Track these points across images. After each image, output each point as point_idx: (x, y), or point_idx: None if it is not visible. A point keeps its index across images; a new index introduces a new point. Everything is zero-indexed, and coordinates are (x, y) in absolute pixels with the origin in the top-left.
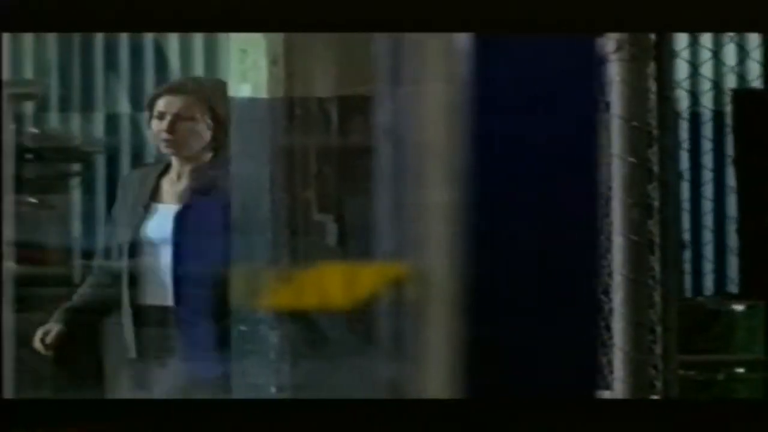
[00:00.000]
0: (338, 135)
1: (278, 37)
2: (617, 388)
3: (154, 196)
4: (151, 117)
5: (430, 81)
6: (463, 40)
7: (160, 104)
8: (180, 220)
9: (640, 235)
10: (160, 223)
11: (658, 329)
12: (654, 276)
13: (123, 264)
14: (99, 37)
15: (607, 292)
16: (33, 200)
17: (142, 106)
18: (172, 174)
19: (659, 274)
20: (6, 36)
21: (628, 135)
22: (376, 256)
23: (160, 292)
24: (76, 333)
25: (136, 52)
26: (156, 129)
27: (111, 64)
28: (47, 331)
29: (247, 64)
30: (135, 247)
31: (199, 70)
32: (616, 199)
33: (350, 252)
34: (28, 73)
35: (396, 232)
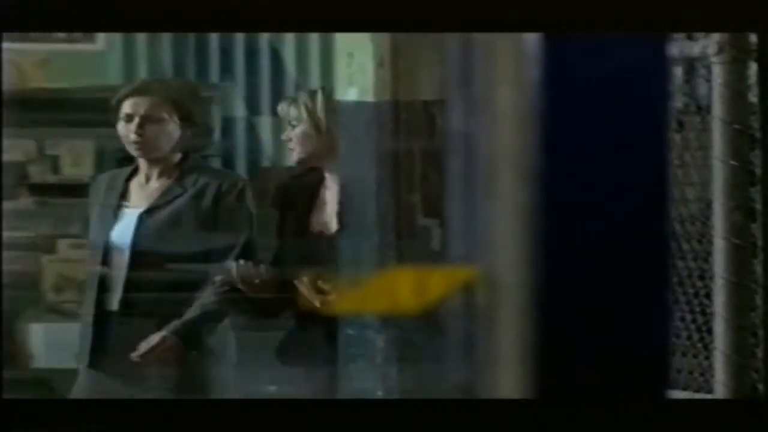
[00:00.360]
0: (444, 138)
1: (385, 39)
2: (718, 391)
3: (123, 199)
4: (117, 119)
5: (501, 84)
6: (533, 41)
7: (127, 106)
8: (141, 222)
9: (742, 238)
10: (125, 227)
11: (760, 333)
12: (756, 279)
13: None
14: (214, 39)
15: (708, 296)
16: None
17: (258, 110)
18: (140, 176)
19: (761, 278)
20: (119, 38)
21: (730, 138)
22: (451, 260)
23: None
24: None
25: (252, 55)
26: (124, 131)
27: (226, 67)
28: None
29: (354, 67)
30: (106, 252)
31: (315, 72)
32: (718, 203)
33: (455, 257)
34: (143, 75)
35: (468, 235)
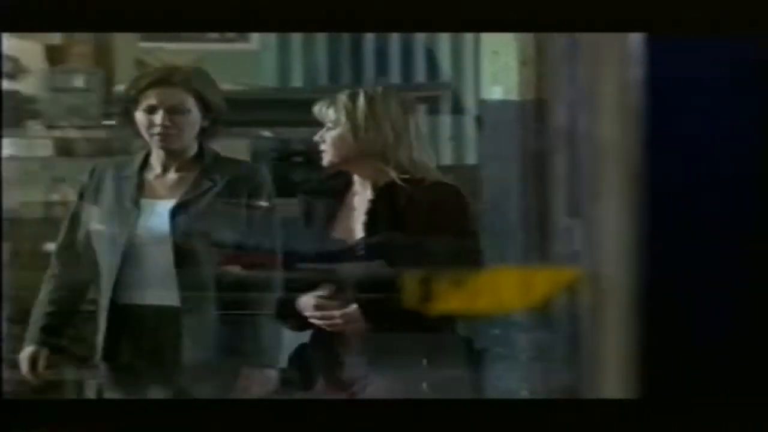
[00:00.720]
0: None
1: (529, 38)
2: None
3: (141, 191)
4: (134, 109)
5: (605, 83)
6: (637, 41)
7: (150, 96)
8: (176, 215)
9: None
10: (155, 220)
11: None
12: None
13: (115, 262)
14: (369, 39)
15: None
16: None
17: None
18: (156, 168)
19: None
20: (273, 38)
21: None
22: (553, 260)
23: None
24: None
25: (407, 54)
26: (146, 122)
27: (381, 67)
28: None
29: (498, 65)
30: (131, 245)
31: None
32: None
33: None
34: (297, 75)
35: (573, 235)
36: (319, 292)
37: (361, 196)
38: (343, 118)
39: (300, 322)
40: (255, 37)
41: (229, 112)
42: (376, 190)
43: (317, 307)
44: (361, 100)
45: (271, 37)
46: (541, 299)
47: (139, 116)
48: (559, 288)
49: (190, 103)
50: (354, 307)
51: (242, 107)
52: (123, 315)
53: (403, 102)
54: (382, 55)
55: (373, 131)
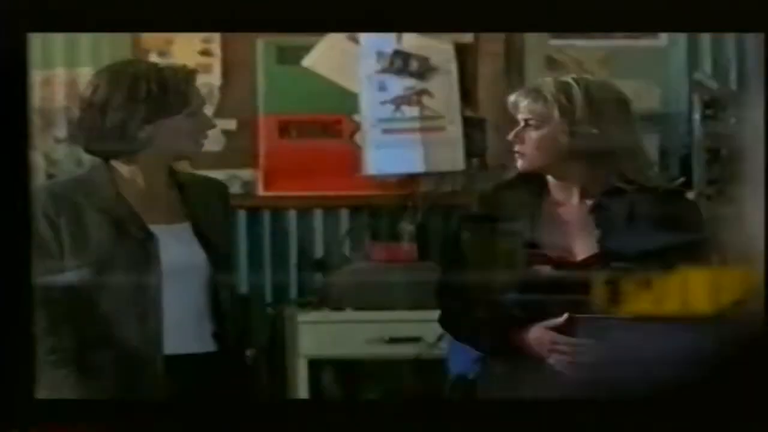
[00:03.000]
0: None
1: None
2: None
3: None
4: None
5: None
6: None
7: None
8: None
9: None
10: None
11: None
12: None
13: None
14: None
15: None
16: None
17: None
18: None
19: None
20: (682, 35)
21: None
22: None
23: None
24: None
25: None
26: None
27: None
28: None
29: None
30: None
31: None
32: None
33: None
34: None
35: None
36: (552, 323)
37: (569, 208)
38: (555, 113)
39: (502, 347)
40: (664, 33)
41: None
42: (597, 198)
43: (559, 351)
44: (577, 91)
45: (681, 34)
46: (731, 301)
47: None
48: (751, 289)
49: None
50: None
51: None
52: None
53: (619, 95)
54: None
55: (592, 129)
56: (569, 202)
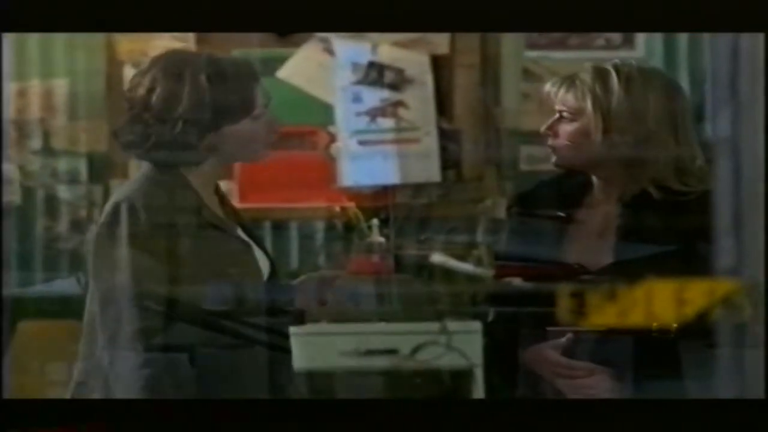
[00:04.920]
0: None
1: None
2: None
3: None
4: None
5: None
6: None
7: None
8: None
9: None
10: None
11: None
12: None
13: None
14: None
15: None
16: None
17: None
18: None
19: None
20: (659, 45)
21: None
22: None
23: None
24: None
25: None
26: None
27: None
28: None
29: None
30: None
31: None
32: None
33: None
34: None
35: (735, 247)
36: (556, 342)
37: (604, 208)
38: (588, 106)
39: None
40: (641, 43)
41: None
42: (624, 204)
43: (562, 374)
44: (615, 82)
45: (658, 43)
46: (697, 313)
47: None
48: (716, 301)
49: None
50: (603, 374)
51: None
52: None
53: (670, 83)
54: None
55: (631, 124)
56: (606, 204)
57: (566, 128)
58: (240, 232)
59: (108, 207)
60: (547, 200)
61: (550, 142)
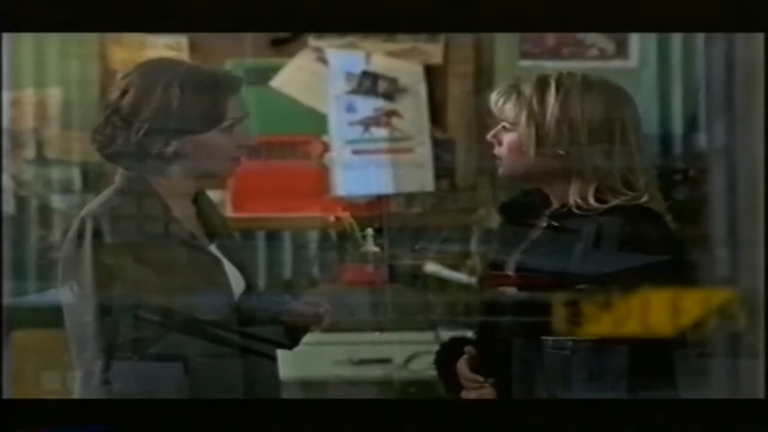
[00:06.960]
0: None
1: None
2: None
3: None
4: None
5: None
6: None
7: None
8: None
9: None
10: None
11: None
12: None
13: None
14: None
15: None
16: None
17: None
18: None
19: None
20: (653, 54)
21: None
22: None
23: None
24: None
25: None
26: None
27: None
28: None
29: None
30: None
31: None
32: None
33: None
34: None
35: (729, 257)
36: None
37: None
38: (523, 118)
39: (451, 386)
40: (634, 53)
41: None
42: (549, 216)
43: (464, 386)
44: (552, 94)
45: (651, 53)
46: (692, 322)
47: None
48: (711, 310)
49: None
50: (487, 390)
51: None
52: None
53: (614, 95)
54: None
55: (563, 137)
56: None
57: (506, 138)
58: (211, 247)
59: (75, 221)
60: (526, 210)
61: (495, 150)
